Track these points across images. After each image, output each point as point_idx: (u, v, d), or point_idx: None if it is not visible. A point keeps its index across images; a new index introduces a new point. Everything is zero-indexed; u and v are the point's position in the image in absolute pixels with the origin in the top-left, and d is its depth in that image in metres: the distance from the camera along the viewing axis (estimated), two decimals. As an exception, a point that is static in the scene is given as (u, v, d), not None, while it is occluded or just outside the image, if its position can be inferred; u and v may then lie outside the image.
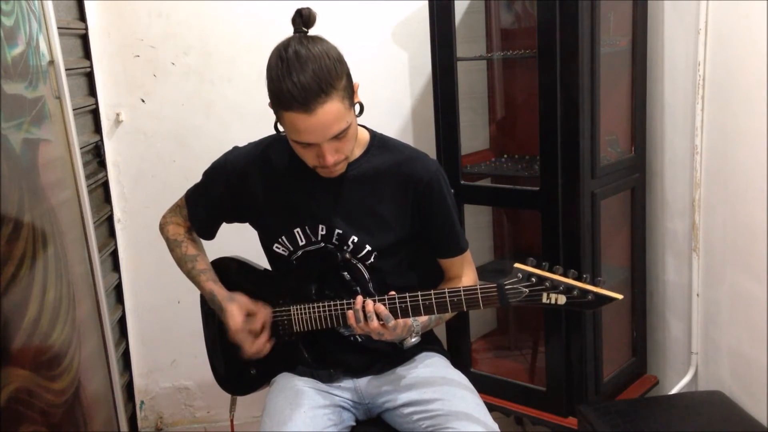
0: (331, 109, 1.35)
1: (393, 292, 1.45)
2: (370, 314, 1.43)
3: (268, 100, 1.42)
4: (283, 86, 1.33)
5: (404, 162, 1.58)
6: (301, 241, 1.60)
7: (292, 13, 1.43)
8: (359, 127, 1.60)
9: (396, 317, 1.44)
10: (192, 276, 1.70)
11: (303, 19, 1.40)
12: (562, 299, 1.33)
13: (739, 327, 1.88)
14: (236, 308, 1.60)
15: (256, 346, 1.60)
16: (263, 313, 1.61)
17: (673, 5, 2.04)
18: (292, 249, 1.61)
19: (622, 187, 2.10)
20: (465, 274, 1.67)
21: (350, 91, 1.41)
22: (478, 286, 1.40)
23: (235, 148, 1.67)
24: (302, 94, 1.32)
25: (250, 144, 1.67)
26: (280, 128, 1.47)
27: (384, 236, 1.57)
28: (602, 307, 1.35)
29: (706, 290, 2.02)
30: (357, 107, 1.47)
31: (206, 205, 1.70)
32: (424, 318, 1.54)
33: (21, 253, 1.56)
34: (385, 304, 1.44)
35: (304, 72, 1.33)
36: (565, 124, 1.90)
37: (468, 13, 2.36)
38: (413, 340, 1.54)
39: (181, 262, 1.72)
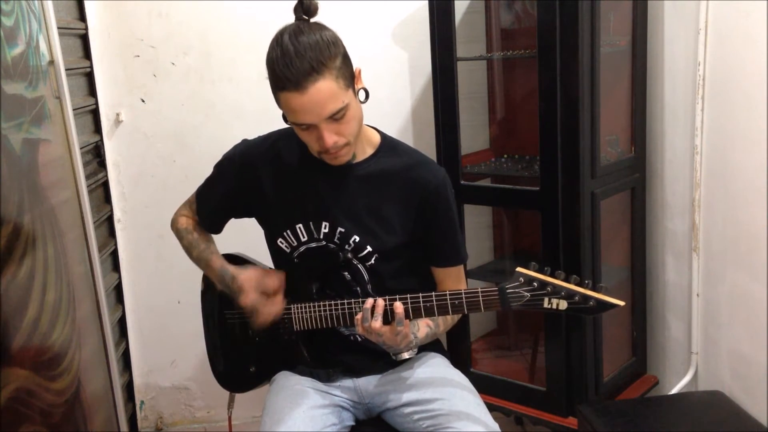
0: (323, 87, 1.36)
1: (396, 298, 1.44)
2: (376, 311, 1.42)
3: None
4: (277, 68, 1.36)
5: (413, 166, 1.58)
6: (303, 237, 1.60)
7: (292, 13, 1.44)
8: (371, 129, 1.61)
9: (394, 319, 1.43)
10: (202, 257, 1.68)
11: (303, 7, 1.42)
12: (563, 304, 1.33)
13: (739, 327, 1.88)
14: (251, 272, 1.59)
15: (272, 305, 1.59)
16: (277, 276, 1.61)
17: (673, 5, 2.04)
18: (294, 245, 1.62)
19: (622, 187, 2.10)
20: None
21: (347, 72, 1.41)
22: (480, 289, 1.40)
23: (245, 141, 1.67)
24: (294, 72, 1.34)
25: (259, 137, 1.67)
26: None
27: (386, 238, 1.57)
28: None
29: (706, 290, 2.02)
30: (362, 94, 1.48)
31: (216, 198, 1.69)
32: (422, 333, 1.55)
33: (21, 253, 1.56)
34: (385, 304, 1.43)
35: (297, 52, 1.35)
36: (565, 124, 1.90)
37: (468, 13, 2.36)
38: (406, 354, 1.54)
39: (191, 246, 1.71)
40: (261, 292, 1.59)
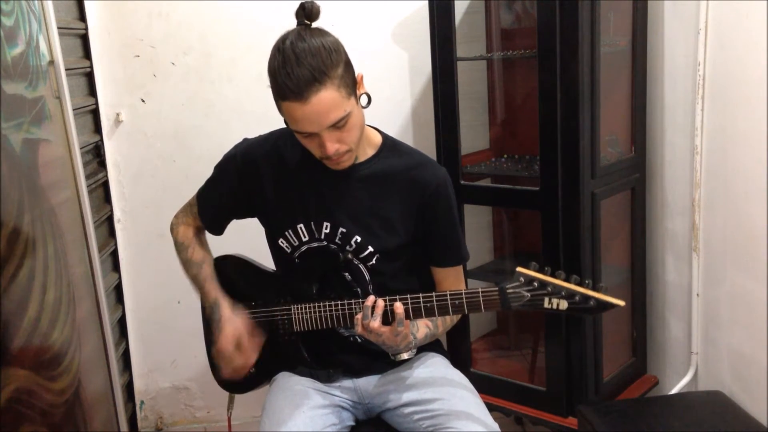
0: (326, 97, 1.36)
1: (396, 298, 1.44)
2: (376, 311, 1.43)
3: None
4: (278, 77, 1.35)
5: (415, 166, 1.58)
6: (304, 237, 1.60)
7: (291, 14, 1.44)
8: (372, 129, 1.60)
9: (395, 319, 1.43)
10: (197, 281, 1.69)
11: (305, 12, 1.41)
12: (563, 304, 1.33)
13: (739, 327, 1.88)
14: (238, 325, 1.60)
15: (240, 360, 1.61)
16: (259, 339, 1.62)
17: (673, 5, 2.04)
18: (295, 245, 1.62)
19: (622, 187, 2.10)
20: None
21: (349, 80, 1.41)
22: (480, 289, 1.40)
23: (245, 140, 1.67)
24: (296, 83, 1.34)
25: (260, 136, 1.66)
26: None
27: (388, 239, 1.57)
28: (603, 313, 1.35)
29: (706, 290, 2.02)
30: (364, 99, 1.47)
31: (218, 198, 1.69)
32: (421, 334, 1.55)
33: (21, 253, 1.56)
34: (386, 304, 1.43)
35: (298, 61, 1.34)
36: (565, 124, 1.90)
37: (468, 13, 2.36)
38: (405, 355, 1.54)
39: (186, 265, 1.72)
40: (236, 346, 1.60)
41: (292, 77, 1.33)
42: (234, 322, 1.60)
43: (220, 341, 1.59)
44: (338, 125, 1.40)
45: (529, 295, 1.35)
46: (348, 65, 1.41)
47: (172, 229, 1.76)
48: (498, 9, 2.36)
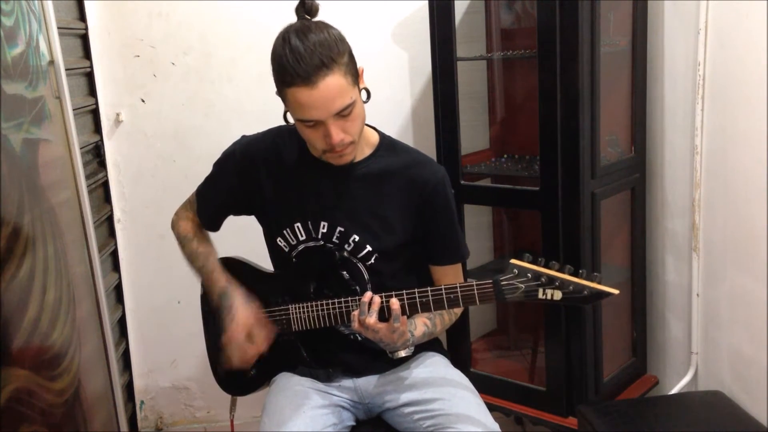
0: (333, 82, 1.36)
1: (392, 295, 1.45)
2: (372, 308, 1.42)
3: (275, 89, 1.43)
4: (286, 63, 1.36)
5: (412, 165, 1.59)
6: (301, 236, 1.60)
7: (291, 14, 1.45)
8: (369, 128, 1.60)
9: (391, 315, 1.43)
10: (204, 271, 1.66)
11: (305, 8, 1.43)
12: (558, 295, 1.33)
13: (739, 327, 1.88)
14: (249, 313, 1.55)
15: (250, 351, 1.56)
16: (268, 332, 1.58)
17: (673, 5, 2.04)
18: (293, 243, 1.62)
19: (622, 187, 2.10)
20: None
21: (353, 69, 1.42)
22: (474, 282, 1.40)
23: (244, 137, 1.67)
24: (304, 67, 1.34)
25: (258, 133, 1.67)
26: (290, 119, 1.47)
27: (386, 238, 1.57)
28: (601, 303, 1.36)
29: (706, 290, 2.02)
30: (364, 94, 1.48)
31: (217, 195, 1.69)
32: (419, 331, 1.55)
33: (21, 254, 1.56)
34: (382, 300, 1.43)
35: (305, 48, 1.35)
36: (565, 124, 1.90)
37: (468, 13, 2.36)
38: (403, 353, 1.54)
39: (192, 257, 1.69)
40: (248, 336, 1.55)
41: (301, 63, 1.34)
42: (247, 310, 1.56)
43: (231, 329, 1.54)
44: (343, 113, 1.41)
45: (523, 286, 1.35)
46: (351, 55, 1.43)
47: (173, 226, 1.76)
48: (498, 9, 2.36)
